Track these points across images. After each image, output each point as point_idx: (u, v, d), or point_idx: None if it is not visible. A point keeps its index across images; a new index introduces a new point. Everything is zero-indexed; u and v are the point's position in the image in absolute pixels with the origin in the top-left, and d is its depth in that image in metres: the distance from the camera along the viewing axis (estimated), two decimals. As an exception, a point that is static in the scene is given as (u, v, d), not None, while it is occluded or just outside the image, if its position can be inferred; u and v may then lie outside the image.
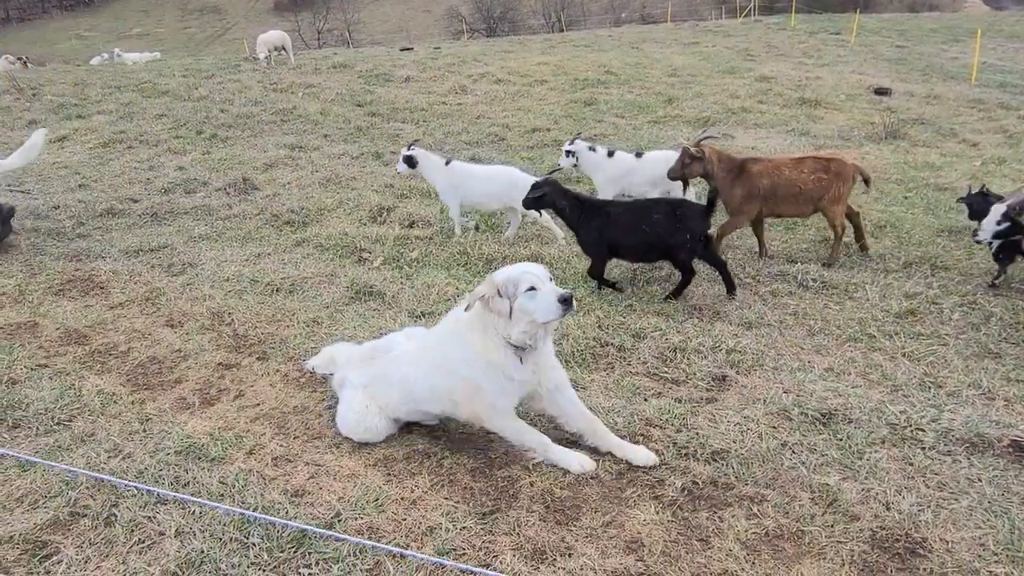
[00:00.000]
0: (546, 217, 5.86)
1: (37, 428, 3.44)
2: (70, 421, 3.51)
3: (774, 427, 3.23)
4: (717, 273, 4.84)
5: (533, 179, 5.37)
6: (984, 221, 4.67)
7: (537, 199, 4.94)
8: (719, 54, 19.38)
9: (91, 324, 4.58)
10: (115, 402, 3.68)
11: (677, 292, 4.77)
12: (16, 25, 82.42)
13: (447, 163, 6.11)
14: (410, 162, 6.12)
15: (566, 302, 2.75)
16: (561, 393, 3.09)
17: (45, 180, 8.41)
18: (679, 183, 5.90)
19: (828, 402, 3.41)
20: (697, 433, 3.20)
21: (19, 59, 24.86)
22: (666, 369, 3.82)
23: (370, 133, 10.69)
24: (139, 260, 5.66)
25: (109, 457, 3.17)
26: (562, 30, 58.15)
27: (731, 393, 3.57)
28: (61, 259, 5.76)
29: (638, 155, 6.31)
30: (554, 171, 5.58)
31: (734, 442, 3.12)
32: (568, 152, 6.36)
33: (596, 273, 4.91)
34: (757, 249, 5.70)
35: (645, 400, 3.53)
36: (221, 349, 4.22)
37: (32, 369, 4.01)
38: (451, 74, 15.95)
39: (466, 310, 2.91)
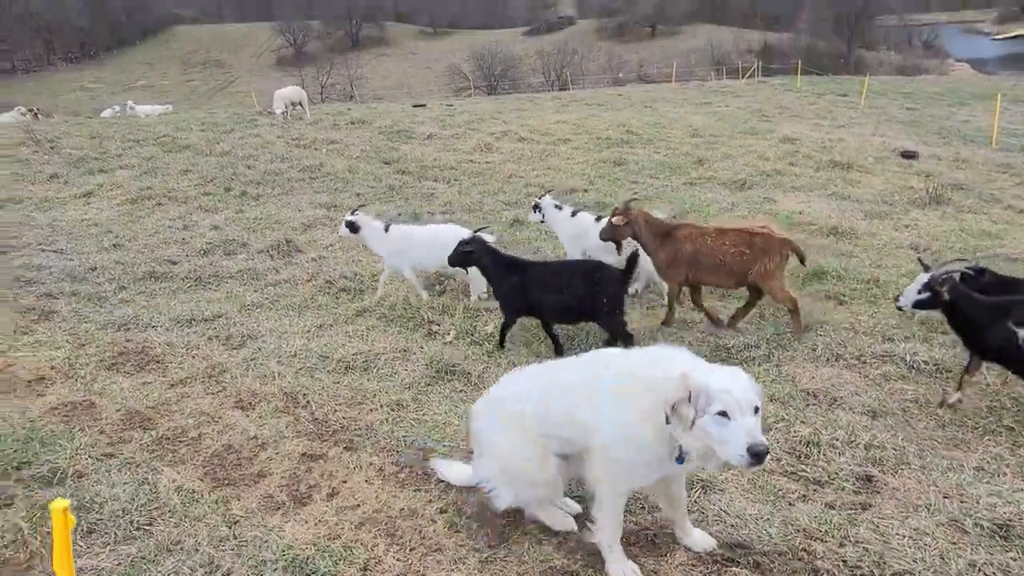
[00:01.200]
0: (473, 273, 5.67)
1: (115, 534, 3.06)
2: (150, 525, 3.14)
3: (953, 543, 2.89)
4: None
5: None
6: (907, 288, 4.37)
7: (464, 255, 4.99)
8: (734, 115, 19.52)
9: (153, 405, 4.22)
10: (196, 500, 3.31)
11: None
12: (21, 76, 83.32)
13: (386, 228, 6.05)
14: (352, 227, 6.04)
15: (757, 456, 2.28)
16: (678, 482, 2.87)
17: (76, 239, 8.11)
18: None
19: (998, 510, 3.08)
20: (866, 549, 2.86)
21: (30, 110, 24.90)
22: (804, 467, 3.49)
23: (404, 192, 10.49)
24: (193, 330, 5.32)
25: (205, 573, 2.80)
26: (562, 88, 59.27)
27: (884, 497, 3.24)
28: (108, 328, 5.42)
29: (597, 219, 6.24)
30: (481, 229, 5.57)
31: (915, 561, 2.77)
32: (536, 207, 6.55)
33: (505, 329, 4.98)
34: (710, 319, 5.47)
35: (791, 505, 3.19)
36: (302, 436, 3.86)
37: (98, 459, 3.64)
38: (472, 132, 15.91)
39: (668, 422, 2.48)
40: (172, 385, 4.49)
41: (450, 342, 5.06)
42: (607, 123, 17.48)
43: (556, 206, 6.45)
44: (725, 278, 5.23)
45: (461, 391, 4.33)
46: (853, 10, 70.47)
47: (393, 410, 4.10)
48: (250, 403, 4.22)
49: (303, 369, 4.60)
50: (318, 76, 66.48)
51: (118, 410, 4.17)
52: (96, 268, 6.97)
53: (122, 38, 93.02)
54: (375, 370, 4.59)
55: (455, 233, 5.70)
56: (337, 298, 6.09)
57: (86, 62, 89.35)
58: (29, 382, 4.53)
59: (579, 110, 21.29)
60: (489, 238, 5.28)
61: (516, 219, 8.80)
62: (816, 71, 35.11)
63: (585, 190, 10.49)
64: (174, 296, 6.25)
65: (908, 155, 13.46)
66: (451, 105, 24.53)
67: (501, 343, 4.99)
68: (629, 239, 5.44)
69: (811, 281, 6.39)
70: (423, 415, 4.03)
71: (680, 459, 2.53)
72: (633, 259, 4.75)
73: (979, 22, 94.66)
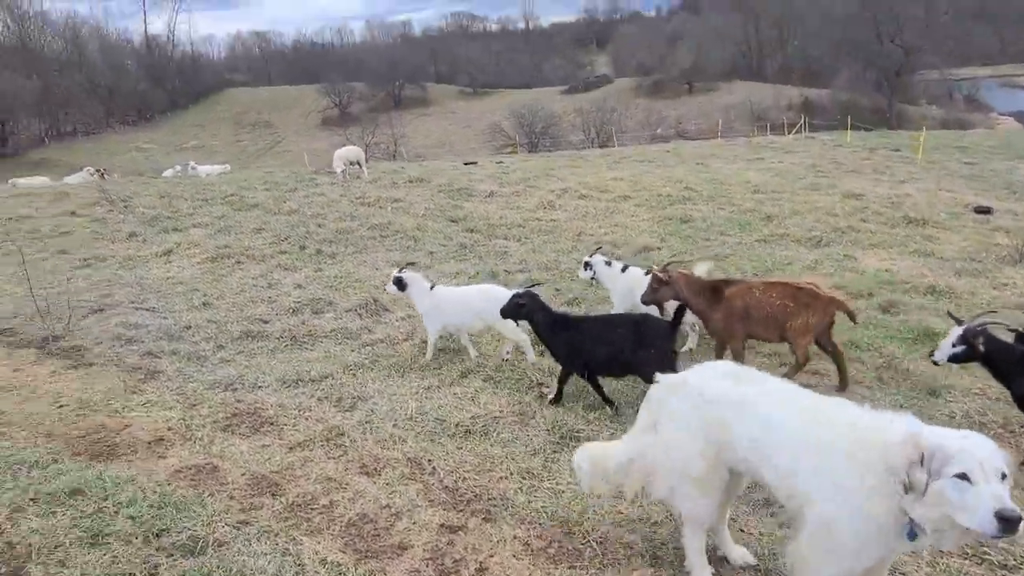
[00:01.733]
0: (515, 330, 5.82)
1: (271, 610, 2.95)
2: (304, 601, 3.02)
3: None
4: None
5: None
6: (942, 343, 4.35)
7: (517, 308, 5.13)
8: (789, 170, 19.41)
9: (277, 469, 4.15)
10: (344, 575, 3.19)
11: None
12: (81, 138, 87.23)
13: (432, 287, 6.15)
14: (400, 284, 6.16)
15: (1008, 523, 2.05)
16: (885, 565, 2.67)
17: (166, 297, 8.25)
18: None
19: None
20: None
21: (97, 171, 25.88)
22: (984, 548, 3.24)
23: (476, 251, 10.52)
24: (301, 391, 5.29)
25: (373, 656, 2.66)
26: (602, 145, 59.93)
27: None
28: (216, 388, 5.41)
29: (647, 272, 6.18)
30: (533, 285, 5.64)
31: None
32: (586, 264, 6.65)
33: (561, 381, 5.05)
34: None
35: (984, 593, 2.95)
36: (436, 506, 3.74)
37: (234, 527, 3.56)
38: (531, 189, 16.04)
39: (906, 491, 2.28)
40: (291, 448, 4.43)
41: (569, 406, 4.93)
42: (663, 180, 17.52)
43: (606, 262, 6.60)
44: (771, 331, 5.25)
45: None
46: (893, 66, 70.54)
47: (525, 478, 3.96)
48: (375, 468, 4.13)
49: (422, 433, 4.51)
50: (363, 135, 68.31)
51: (243, 474, 4.11)
52: (191, 327, 7.04)
53: (176, 101, 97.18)
54: (495, 435, 4.48)
55: (495, 293, 5.82)
56: (437, 358, 6.02)
57: (142, 124, 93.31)
58: (149, 443, 4.51)
59: (631, 167, 21.40)
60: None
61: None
62: (865, 126, 34.96)
63: (659, 248, 10.41)
64: (273, 356, 6.26)
65: (982, 211, 13.15)
66: (501, 163, 24.87)
67: (557, 398, 5.00)
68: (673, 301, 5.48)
69: (923, 342, 6.15)
70: (557, 484, 3.89)
71: (912, 534, 2.33)
72: (680, 311, 4.87)
73: (1018, 76, 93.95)
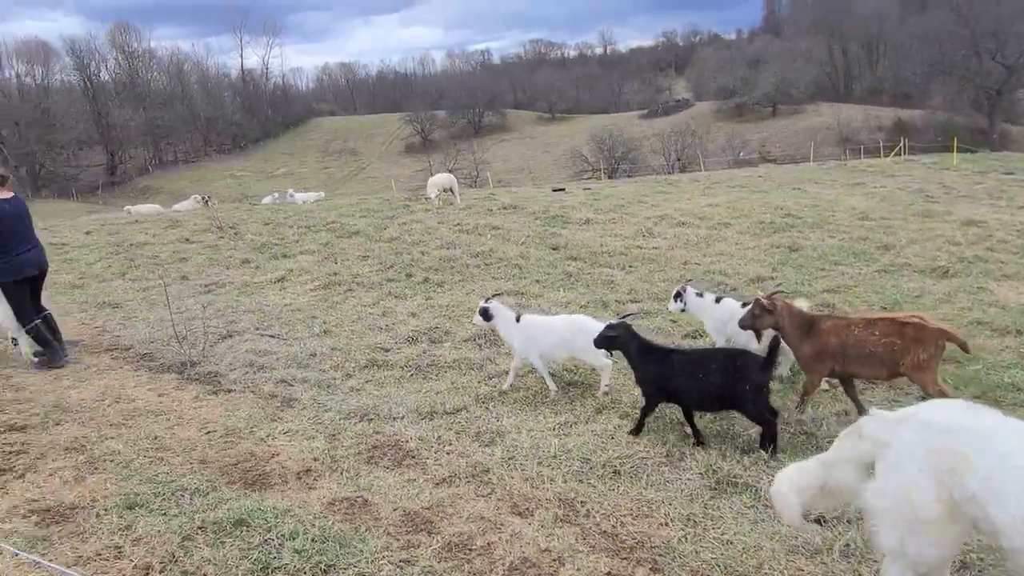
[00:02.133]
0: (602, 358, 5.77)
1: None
2: (481, 649, 2.94)
3: None
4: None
5: (600, 325, 5.48)
6: None
7: (609, 339, 5.15)
8: (895, 195, 18.55)
9: (427, 506, 4.12)
10: (517, 623, 3.10)
11: (763, 443, 4.66)
12: (181, 166, 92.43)
13: (518, 319, 6.08)
14: (486, 315, 6.11)
15: None
16: None
17: (286, 323, 8.48)
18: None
19: None
20: None
21: (203, 198, 27.26)
22: None
23: (582, 279, 10.43)
24: (437, 424, 5.28)
25: None
26: (682, 170, 59.12)
27: None
28: (352, 418, 5.47)
29: (744, 304, 6.04)
30: (627, 316, 5.63)
31: None
32: (677, 296, 6.52)
33: (644, 414, 5.02)
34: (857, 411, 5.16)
35: None
36: (598, 552, 3.62)
37: (398, 566, 3.53)
38: (627, 216, 15.87)
39: None
40: (438, 484, 4.40)
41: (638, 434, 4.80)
42: (762, 206, 17.02)
43: (698, 294, 6.49)
44: (877, 369, 5.03)
45: (751, 506, 3.97)
46: (994, 84, 67.08)
47: (687, 526, 3.79)
48: (526, 509, 4.05)
49: (570, 473, 4.40)
50: (445, 161, 69.81)
51: (394, 509, 4.09)
52: (316, 354, 7.19)
53: (268, 131, 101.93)
54: (646, 477, 4.32)
55: (581, 323, 5.77)
56: (566, 392, 5.93)
57: (236, 153, 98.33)
58: (298, 474, 4.57)
59: (725, 193, 20.94)
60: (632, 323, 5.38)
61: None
62: (969, 148, 33.23)
63: (772, 278, 10.05)
64: (401, 385, 6.30)
65: (1124, 238, 12.17)
66: (589, 188, 24.80)
67: (638, 430, 4.98)
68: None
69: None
70: (723, 534, 3.70)
71: None
72: (775, 345, 4.75)
73: None
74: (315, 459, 4.76)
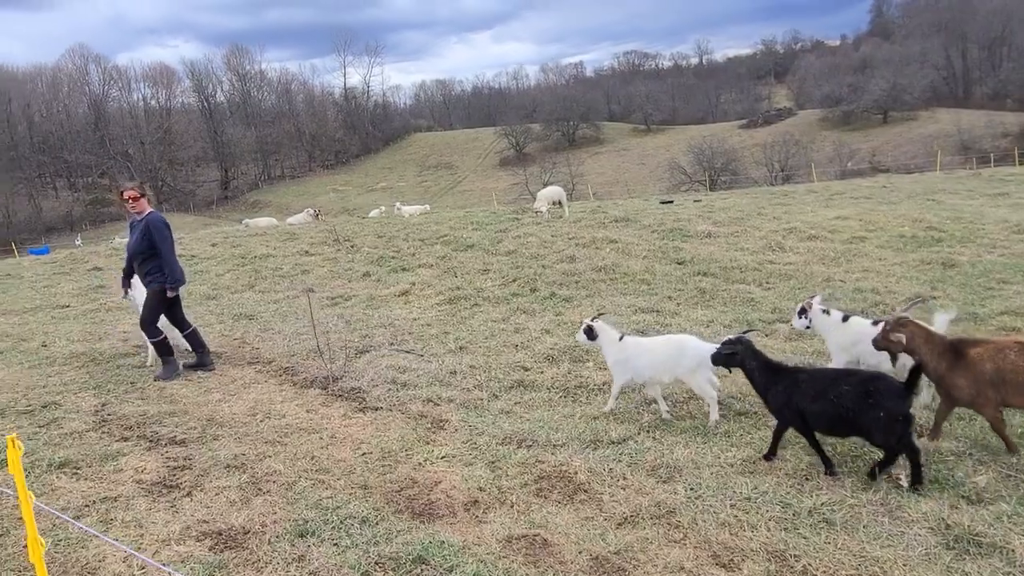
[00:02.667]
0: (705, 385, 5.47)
1: None
2: None
3: None
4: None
5: (708, 346, 5.30)
6: None
7: (728, 356, 4.87)
8: (1049, 207, 16.92)
9: (615, 550, 3.73)
10: None
11: (873, 471, 4.30)
12: (287, 181, 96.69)
13: (620, 338, 5.87)
14: (590, 334, 5.93)
15: None
16: None
17: (420, 339, 8.34)
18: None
19: None
20: None
21: (315, 212, 28.10)
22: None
23: (718, 296, 9.85)
24: (603, 454, 4.89)
25: None
26: (786, 181, 56.74)
27: None
28: (509, 444, 5.17)
29: (875, 322, 5.56)
30: (747, 331, 5.20)
31: None
32: (802, 311, 6.08)
33: (776, 435, 4.75)
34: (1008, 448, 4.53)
35: None
36: (830, 619, 3.12)
37: (601, 622, 3.16)
38: (750, 229, 15.07)
39: None
40: (620, 524, 4.00)
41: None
42: (895, 218, 15.82)
43: (824, 311, 6.00)
44: None
45: (1008, 573, 3.36)
46: None
47: (927, 592, 3.25)
48: (730, 561, 3.59)
49: (772, 519, 3.91)
50: (541, 175, 69.93)
51: (580, 552, 3.73)
52: (455, 372, 6.97)
53: (368, 146, 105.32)
54: (863, 528, 3.78)
55: (686, 344, 5.55)
56: (737, 423, 5.42)
57: (338, 168, 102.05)
58: (465, 505, 4.29)
59: (849, 204, 19.71)
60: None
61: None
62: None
63: (935, 297, 9.16)
64: (552, 408, 5.97)
65: None
66: (699, 200, 23.98)
67: (771, 454, 4.72)
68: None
69: None
70: (982, 609, 3.13)
71: None
72: (916, 372, 4.33)
73: None
74: (480, 488, 4.47)
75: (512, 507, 4.26)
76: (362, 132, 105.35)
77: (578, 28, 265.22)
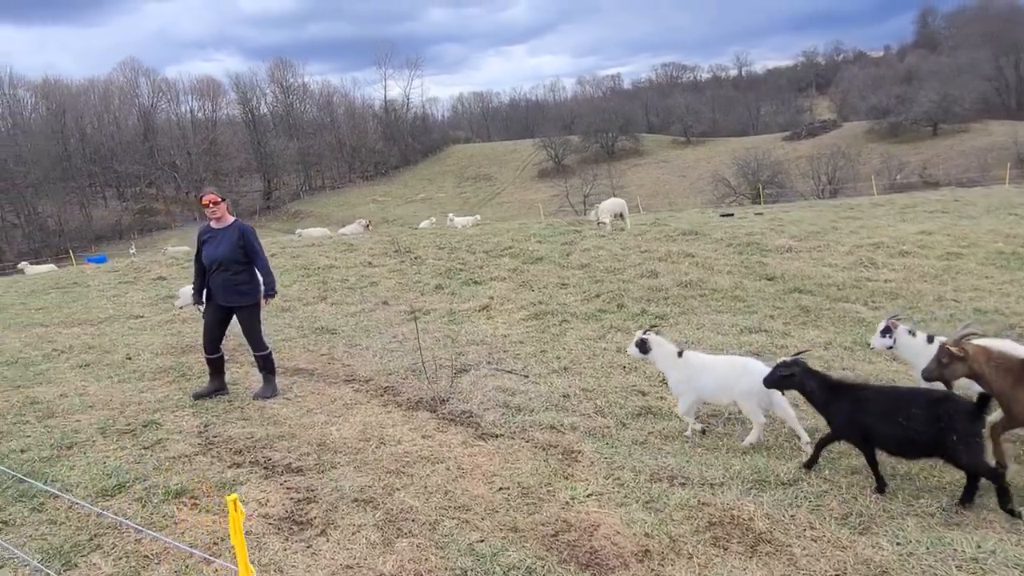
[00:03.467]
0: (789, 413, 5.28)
1: None
2: None
3: None
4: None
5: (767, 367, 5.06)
6: None
7: (784, 378, 4.76)
8: None
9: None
10: None
11: (965, 498, 4.17)
12: (329, 192, 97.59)
13: (680, 354, 5.64)
14: (643, 347, 5.78)
15: None
16: None
17: (518, 358, 7.90)
18: None
19: None
20: None
21: (366, 222, 27.97)
22: None
23: (824, 315, 9.25)
24: (777, 497, 4.36)
25: None
26: (833, 194, 55.37)
27: None
28: (659, 481, 4.67)
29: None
30: (801, 353, 5.02)
31: None
32: (885, 331, 5.83)
33: (820, 445, 4.75)
34: None
35: None
36: None
37: None
38: (831, 243, 14.40)
39: None
40: (819, 582, 3.49)
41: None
42: (985, 233, 15.03)
43: (909, 331, 5.81)
44: None
45: None
46: None
47: None
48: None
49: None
50: (582, 186, 69.41)
51: (789, 620, 3.22)
52: (568, 395, 6.51)
53: (408, 157, 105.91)
54: None
55: (744, 365, 5.36)
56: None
57: (377, 179, 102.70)
58: (637, 556, 3.81)
59: (926, 219, 18.86)
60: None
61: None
62: None
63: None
64: (694, 440, 5.46)
65: None
66: (761, 213, 23.25)
67: (811, 463, 4.74)
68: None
69: None
70: None
71: None
72: (986, 396, 4.19)
73: None
74: (647, 535, 3.98)
75: (691, 559, 3.76)
76: (401, 144, 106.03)
77: (614, 40, 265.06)
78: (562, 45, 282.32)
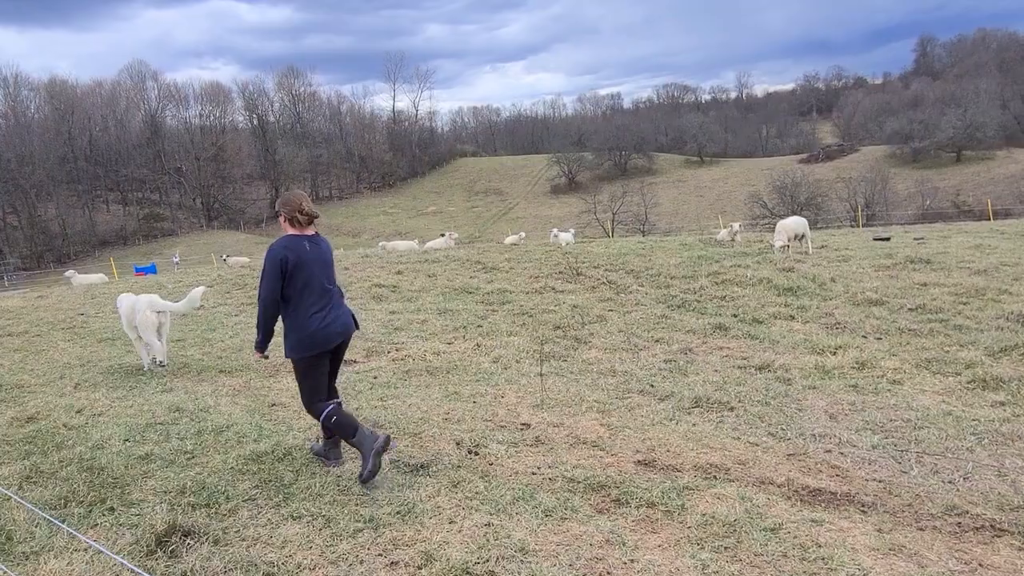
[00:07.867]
0: None
1: None
2: None
3: None
4: None
5: None
6: None
7: None
8: None
9: None
10: None
11: None
12: (336, 202, 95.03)
13: None
14: None
15: None
16: None
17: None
18: None
19: None
20: None
21: (451, 235, 25.72)
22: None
23: None
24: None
25: None
26: (870, 217, 54.08)
27: None
28: None
29: None
30: None
31: None
32: None
33: None
34: None
35: None
36: None
37: None
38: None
39: None
40: None
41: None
42: None
43: None
44: None
45: None
46: None
47: None
48: None
49: None
50: (611, 203, 67.68)
51: None
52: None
53: (415, 169, 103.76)
54: None
55: None
56: None
57: (385, 190, 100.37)
58: None
59: (1002, 241, 16.88)
60: None
61: None
62: None
63: None
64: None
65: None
66: (921, 238, 21.01)
67: None
68: None
69: None
70: None
71: None
72: None
73: None
74: None
75: None
76: (409, 155, 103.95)
77: (609, 61, 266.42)
78: (557, 64, 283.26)
